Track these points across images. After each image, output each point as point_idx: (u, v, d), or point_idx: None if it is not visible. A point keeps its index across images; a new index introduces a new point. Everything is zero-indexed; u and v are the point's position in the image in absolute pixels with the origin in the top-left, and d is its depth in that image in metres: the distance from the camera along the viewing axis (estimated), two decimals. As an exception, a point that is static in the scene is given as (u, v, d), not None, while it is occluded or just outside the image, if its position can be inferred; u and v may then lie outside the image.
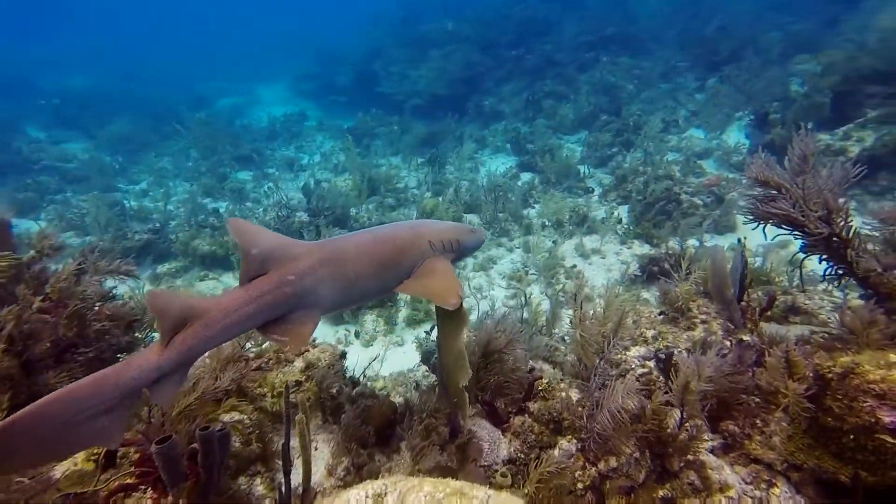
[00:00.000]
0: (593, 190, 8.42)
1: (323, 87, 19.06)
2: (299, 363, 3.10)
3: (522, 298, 5.11)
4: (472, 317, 4.11)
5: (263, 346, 3.13)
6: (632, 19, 16.75)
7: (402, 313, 5.84)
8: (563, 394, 2.63)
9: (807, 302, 3.77)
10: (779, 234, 3.11)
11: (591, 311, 2.74)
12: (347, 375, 3.33)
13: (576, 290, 3.02)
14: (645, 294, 5.24)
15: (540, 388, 2.68)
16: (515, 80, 14.41)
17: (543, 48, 14.88)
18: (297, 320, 2.12)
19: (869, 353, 1.90)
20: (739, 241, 3.54)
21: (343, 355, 3.34)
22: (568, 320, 3.82)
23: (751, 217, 3.09)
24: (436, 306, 2.26)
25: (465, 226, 2.87)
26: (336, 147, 13.29)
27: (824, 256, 3.04)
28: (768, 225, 3.08)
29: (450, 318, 2.28)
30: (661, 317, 3.33)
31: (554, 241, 6.73)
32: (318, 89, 19.50)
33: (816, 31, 13.00)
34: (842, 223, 2.98)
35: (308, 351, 3.20)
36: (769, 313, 3.29)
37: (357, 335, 5.68)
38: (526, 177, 9.60)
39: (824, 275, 3.15)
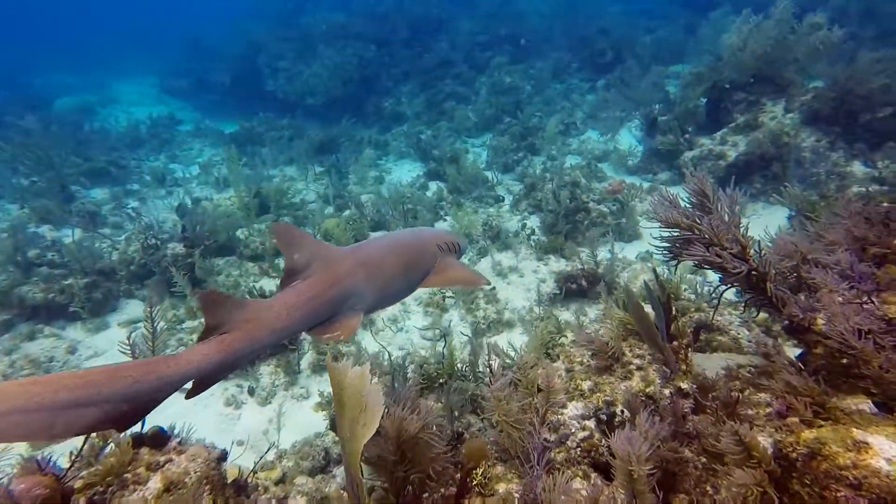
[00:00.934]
0: (503, 199, 8.30)
1: (197, 84, 16.97)
2: (156, 482, 2.33)
3: (440, 331, 4.70)
4: (386, 356, 3.60)
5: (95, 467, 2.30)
6: (521, 18, 17.19)
7: (307, 358, 5.13)
8: (503, 487, 2.23)
9: (718, 318, 3.82)
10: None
11: (512, 376, 2.38)
12: (229, 480, 2.63)
13: (494, 354, 2.65)
14: (565, 314, 5.12)
15: (474, 482, 2.26)
16: (414, 79, 14.00)
17: (439, 46, 14.64)
18: (343, 319, 2.26)
19: (831, 430, 1.74)
20: (655, 273, 3.44)
21: (223, 457, 2.62)
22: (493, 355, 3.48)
23: (669, 257, 2.97)
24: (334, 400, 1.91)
25: (455, 231, 3.31)
26: (217, 156, 11.79)
27: (745, 291, 3.02)
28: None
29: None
30: (594, 360, 3.10)
31: (469, 259, 6.43)
32: (190, 87, 17.34)
33: (679, 37, 14.33)
34: (756, 257, 2.96)
35: (170, 461, 2.44)
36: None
37: (251, 392, 4.85)
38: (434, 186, 9.23)
39: (743, 301, 3.14)
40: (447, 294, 5.73)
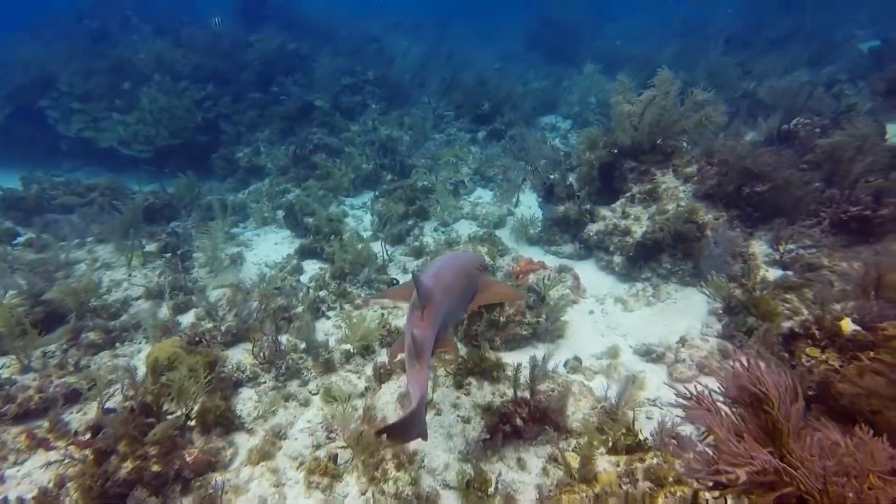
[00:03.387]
0: (397, 283, 7.16)
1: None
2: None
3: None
4: None
5: None
6: (388, 60, 16.64)
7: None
8: None
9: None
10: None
11: None
12: None
13: None
14: (500, 467, 4.10)
15: None
16: (273, 126, 12.29)
17: (300, 89, 13.18)
18: (446, 335, 3.24)
19: None
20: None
21: None
22: None
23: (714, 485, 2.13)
24: None
25: (479, 253, 6.17)
26: (-14, 233, 8.64)
27: None
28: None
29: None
30: None
31: (367, 387, 5.11)
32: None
33: (552, 90, 15.07)
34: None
35: None
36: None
37: None
38: (311, 268, 7.71)
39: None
40: (340, 453, 4.32)
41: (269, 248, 8.65)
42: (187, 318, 6.43)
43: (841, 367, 3.19)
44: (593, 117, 12.94)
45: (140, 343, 5.90)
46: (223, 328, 5.87)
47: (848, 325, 3.30)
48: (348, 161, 10.84)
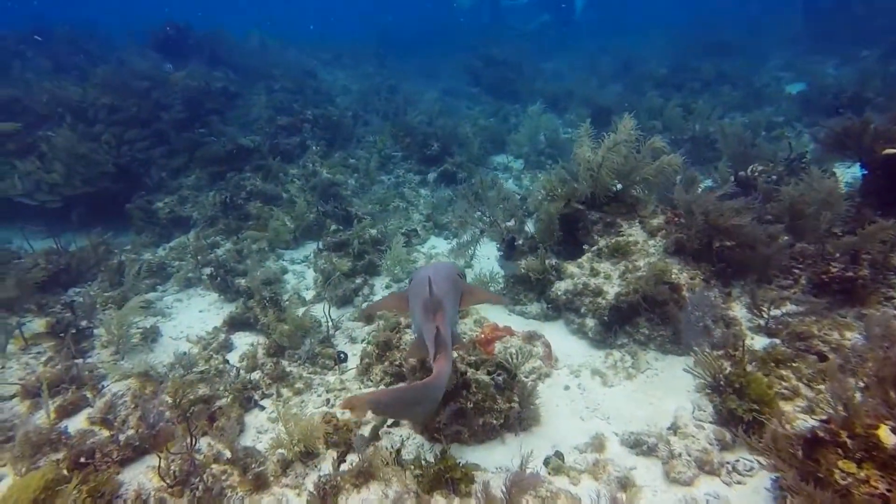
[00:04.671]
0: (345, 358, 6.23)
1: None
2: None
3: None
4: None
5: None
6: (327, 97, 15.95)
7: None
8: None
9: None
10: None
11: None
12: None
13: None
14: None
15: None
16: (199, 170, 11.10)
17: (231, 129, 12.10)
18: (456, 335, 3.81)
19: None
20: None
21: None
22: None
23: None
24: None
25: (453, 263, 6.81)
26: None
27: None
28: None
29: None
30: None
31: (311, 511, 4.13)
32: None
33: (500, 128, 14.89)
34: None
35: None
36: None
37: None
38: (244, 340, 6.62)
39: None
40: None
41: (192, 316, 7.44)
42: (79, 422, 5.16)
43: (889, 491, 2.68)
44: (544, 158, 12.79)
45: (3, 467, 4.56)
46: (122, 438, 4.68)
47: (887, 436, 2.84)
48: (288, 209, 9.86)
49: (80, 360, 5.99)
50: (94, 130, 10.71)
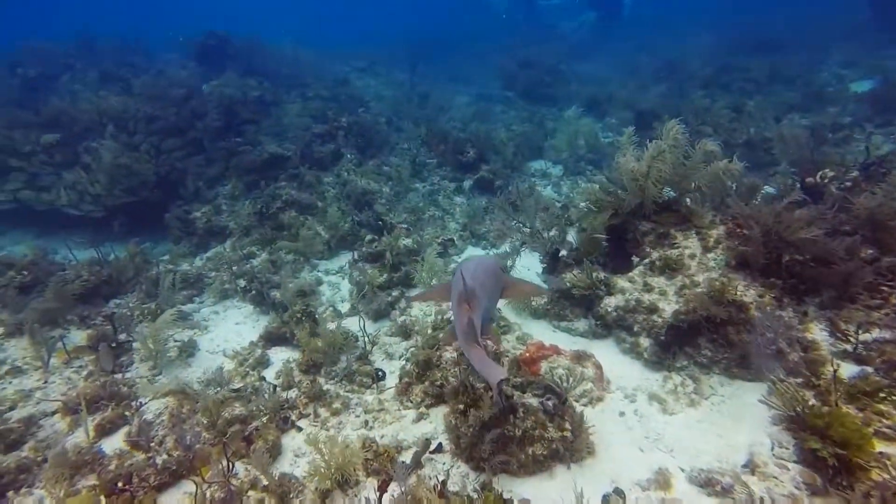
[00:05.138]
0: (383, 376, 6.01)
1: None
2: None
3: None
4: None
5: None
6: (361, 104, 15.93)
7: None
8: None
9: None
10: None
11: None
12: None
13: None
14: None
15: None
16: (235, 179, 11.18)
17: (266, 138, 12.17)
18: (488, 325, 4.02)
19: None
20: None
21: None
22: None
23: None
24: None
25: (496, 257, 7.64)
26: None
27: None
28: None
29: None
30: None
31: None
32: None
33: (536, 133, 14.49)
34: None
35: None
36: None
37: None
38: (281, 355, 6.50)
39: None
40: None
41: (229, 329, 7.40)
42: (117, 441, 5.11)
43: None
44: (584, 164, 12.34)
45: (41, 489, 4.51)
46: (159, 462, 4.57)
47: None
48: (322, 219, 9.79)
49: (119, 375, 5.98)
50: (134, 140, 10.95)
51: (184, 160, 11.24)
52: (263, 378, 5.95)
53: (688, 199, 6.74)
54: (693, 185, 6.52)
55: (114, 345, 6.20)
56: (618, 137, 12.76)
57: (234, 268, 8.69)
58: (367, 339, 6.59)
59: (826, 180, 6.95)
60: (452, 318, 4.90)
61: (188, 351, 6.54)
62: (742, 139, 10.72)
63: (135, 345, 6.55)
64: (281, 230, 9.66)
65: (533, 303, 7.14)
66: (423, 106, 16.55)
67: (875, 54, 16.25)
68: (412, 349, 6.57)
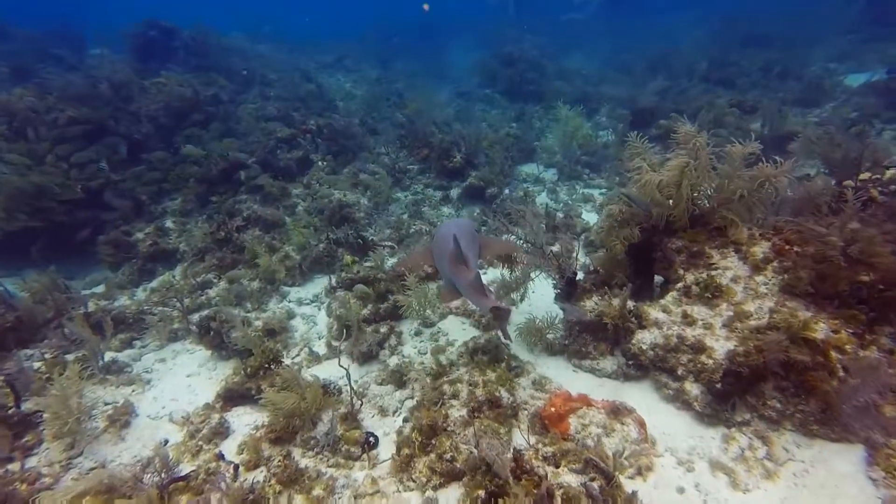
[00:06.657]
0: (375, 443, 4.93)
1: None
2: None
3: None
4: None
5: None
6: (329, 104, 14.75)
7: None
8: None
9: None
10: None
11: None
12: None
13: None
14: None
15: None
16: (188, 192, 9.85)
17: (219, 143, 10.84)
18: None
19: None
20: None
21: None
22: None
23: None
24: None
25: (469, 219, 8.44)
26: None
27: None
28: None
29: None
30: None
31: None
32: None
33: (525, 134, 13.64)
34: None
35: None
36: None
37: None
38: (245, 420, 5.33)
39: None
40: None
41: (178, 383, 6.15)
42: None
43: None
44: (581, 168, 11.53)
45: None
46: None
47: None
48: (290, 238, 8.60)
49: (15, 465, 4.65)
50: (42, 148, 9.30)
51: (119, 172, 9.80)
52: (222, 456, 4.77)
53: (725, 211, 5.92)
54: (735, 195, 5.69)
55: (15, 419, 4.88)
56: (614, 138, 12.04)
57: (186, 300, 7.43)
58: (353, 391, 5.48)
59: (870, 184, 6.25)
60: (443, 279, 5.55)
61: (122, 419, 5.27)
62: (754, 138, 10.08)
63: (45, 416, 5.23)
64: (243, 252, 8.42)
65: (548, 336, 6.19)
66: (401, 105, 15.45)
67: (868, 47, 16.09)
68: (407, 400, 5.54)
